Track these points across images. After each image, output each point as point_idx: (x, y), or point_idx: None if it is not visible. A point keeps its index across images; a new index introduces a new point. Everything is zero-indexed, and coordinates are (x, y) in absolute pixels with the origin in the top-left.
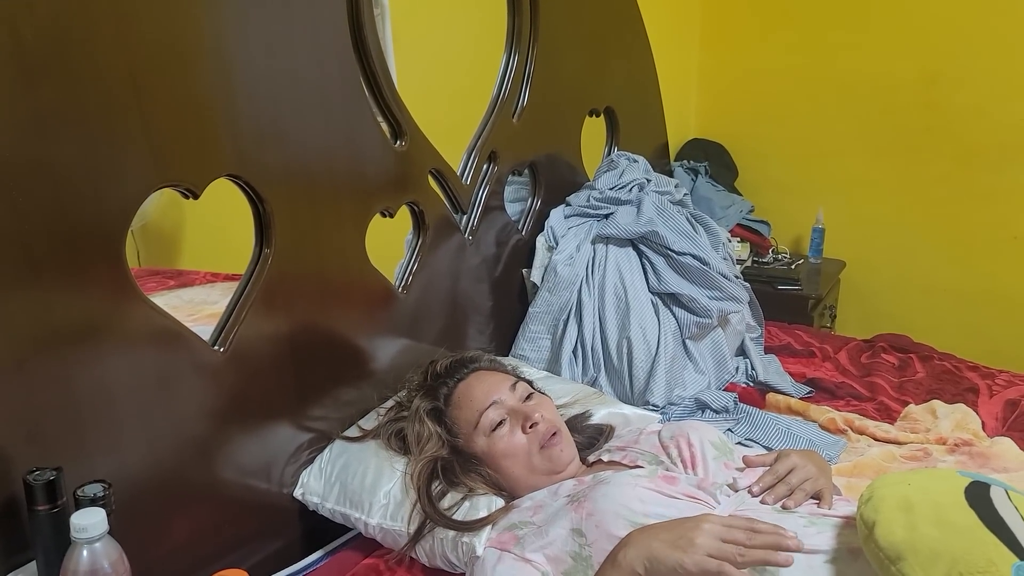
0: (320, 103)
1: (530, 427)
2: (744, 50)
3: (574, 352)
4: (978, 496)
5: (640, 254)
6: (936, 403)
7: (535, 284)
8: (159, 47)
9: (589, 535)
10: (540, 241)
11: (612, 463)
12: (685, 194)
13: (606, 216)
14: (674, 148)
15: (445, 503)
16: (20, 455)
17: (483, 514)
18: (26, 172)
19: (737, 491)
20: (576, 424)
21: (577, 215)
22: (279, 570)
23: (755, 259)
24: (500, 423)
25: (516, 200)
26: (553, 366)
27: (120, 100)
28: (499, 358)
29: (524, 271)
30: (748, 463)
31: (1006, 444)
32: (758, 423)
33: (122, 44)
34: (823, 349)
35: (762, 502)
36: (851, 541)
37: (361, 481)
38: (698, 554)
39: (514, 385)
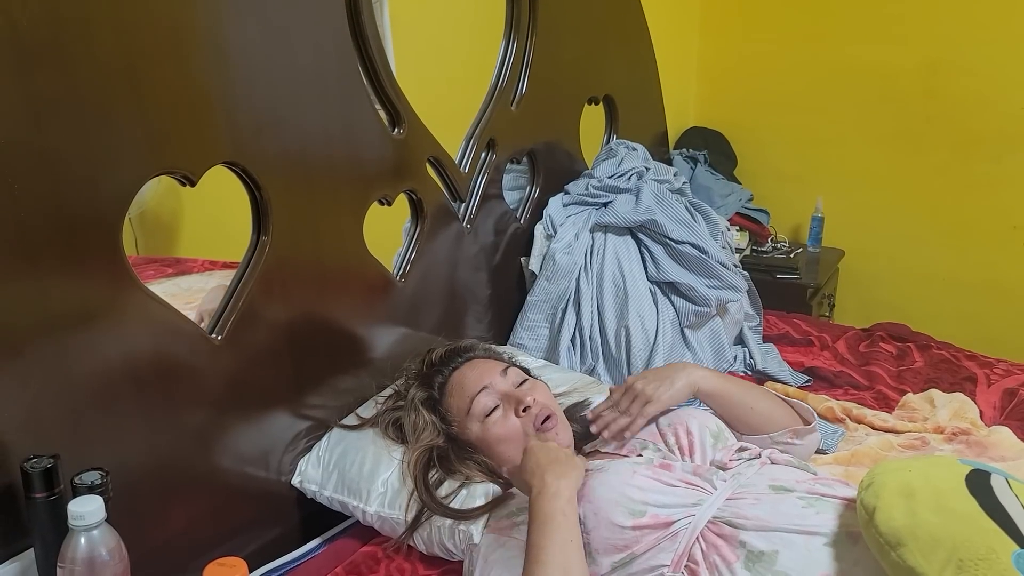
0: (318, 90)
1: (523, 411)
2: (744, 38)
3: (572, 341)
4: (979, 484)
5: (639, 243)
6: (934, 392)
7: (533, 273)
8: (156, 33)
9: (588, 523)
10: (538, 229)
11: (608, 454)
12: (684, 182)
13: (605, 204)
14: (673, 136)
15: (442, 491)
16: (17, 443)
17: (480, 502)
18: (22, 159)
19: (726, 469)
20: (574, 413)
21: (576, 203)
22: (277, 557)
23: (754, 248)
24: (493, 409)
25: (514, 188)
26: (551, 355)
27: (116, 87)
28: (496, 347)
29: (522, 260)
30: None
31: (1004, 433)
32: None
33: (118, 30)
34: (821, 338)
35: (604, 439)
36: (851, 524)
37: (359, 469)
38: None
39: (506, 370)
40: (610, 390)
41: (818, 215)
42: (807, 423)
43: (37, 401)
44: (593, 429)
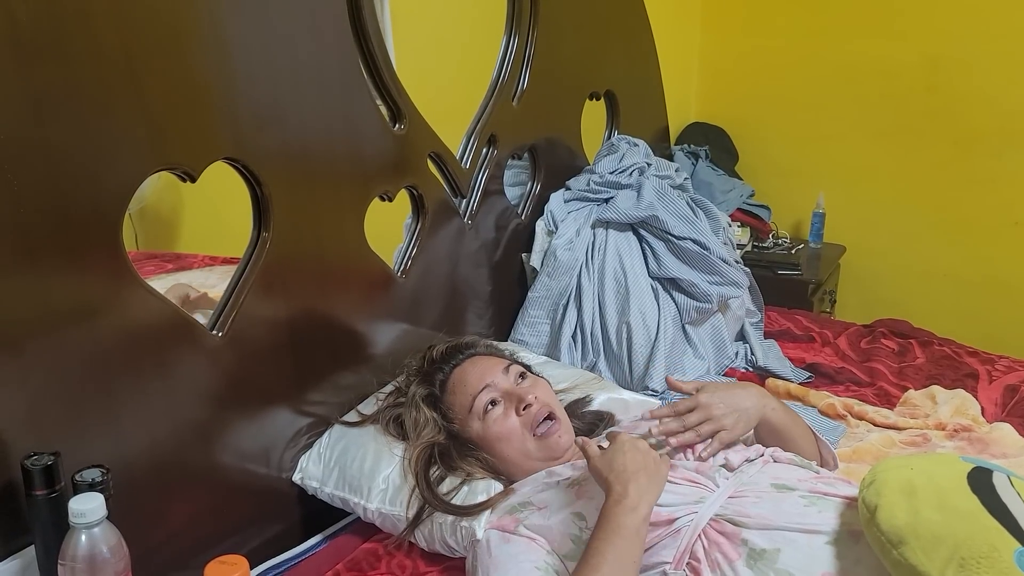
0: (318, 86)
1: (523, 409)
2: (745, 34)
3: (573, 337)
4: (981, 482)
5: (640, 239)
6: (936, 388)
7: (534, 269)
8: (155, 28)
9: (590, 519)
10: (540, 226)
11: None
12: (685, 178)
13: (606, 200)
14: (675, 132)
15: (444, 488)
16: (18, 440)
17: (482, 499)
18: (22, 154)
19: (733, 471)
20: (576, 409)
21: (577, 199)
22: (278, 554)
23: (755, 244)
24: (494, 406)
25: (516, 184)
26: (552, 351)
27: (116, 82)
28: (497, 343)
29: (523, 256)
30: (671, 385)
31: (1005, 430)
32: None
33: (118, 25)
34: (823, 334)
35: (669, 445)
36: (852, 523)
37: (360, 466)
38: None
39: (507, 368)
40: (668, 382)
41: (819, 211)
42: (826, 464)
43: (38, 398)
44: (655, 430)
